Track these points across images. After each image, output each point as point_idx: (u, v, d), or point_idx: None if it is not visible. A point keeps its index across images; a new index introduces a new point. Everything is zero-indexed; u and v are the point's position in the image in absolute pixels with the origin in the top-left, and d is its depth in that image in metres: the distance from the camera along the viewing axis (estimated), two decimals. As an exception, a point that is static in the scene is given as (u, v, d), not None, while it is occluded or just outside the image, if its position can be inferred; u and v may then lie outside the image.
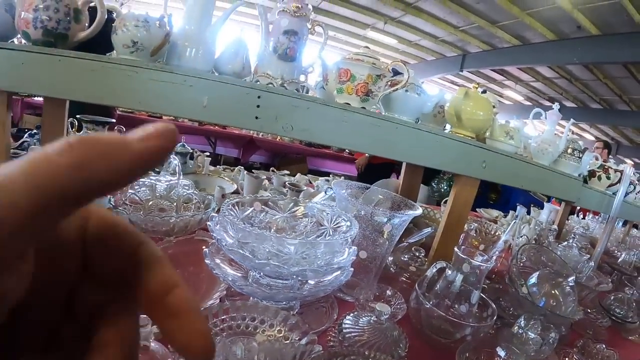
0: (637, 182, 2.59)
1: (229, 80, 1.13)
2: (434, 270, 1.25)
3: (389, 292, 1.32)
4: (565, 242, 2.00)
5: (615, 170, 2.22)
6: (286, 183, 2.30)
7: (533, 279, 1.52)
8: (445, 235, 1.63)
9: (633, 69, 10.20)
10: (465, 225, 1.84)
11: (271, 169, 2.79)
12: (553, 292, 1.51)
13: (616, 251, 3.00)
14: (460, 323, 1.14)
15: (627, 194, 2.45)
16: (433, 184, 4.36)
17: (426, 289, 1.26)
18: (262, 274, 0.99)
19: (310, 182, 2.81)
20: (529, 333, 1.18)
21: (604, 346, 1.52)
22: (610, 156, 3.86)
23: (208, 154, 2.60)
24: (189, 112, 1.26)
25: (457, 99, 1.57)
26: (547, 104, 15.61)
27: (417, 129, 1.40)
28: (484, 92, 1.85)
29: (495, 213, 2.96)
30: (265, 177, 2.35)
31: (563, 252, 1.91)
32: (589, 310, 1.84)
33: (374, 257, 1.32)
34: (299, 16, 1.30)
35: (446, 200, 2.76)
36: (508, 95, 16.60)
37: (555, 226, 2.35)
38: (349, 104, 1.33)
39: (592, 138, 19.34)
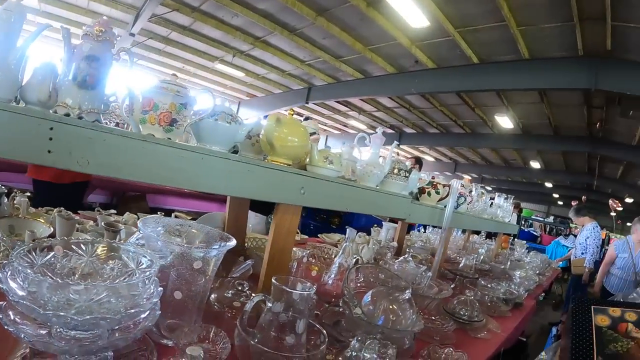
0: (467, 194, 2.89)
1: (17, 110, 0.97)
2: (252, 303, 1.24)
3: (213, 332, 1.26)
4: (402, 257, 2.13)
5: (444, 185, 2.45)
6: (101, 223, 2.12)
7: (367, 298, 1.58)
8: (272, 266, 1.62)
9: (465, 97, 11.59)
10: (299, 252, 1.89)
11: (96, 209, 2.58)
12: (391, 307, 1.58)
13: (458, 257, 3.29)
14: (285, 356, 1.14)
15: (458, 205, 2.71)
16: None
17: (252, 324, 1.25)
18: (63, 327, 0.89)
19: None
20: (365, 354, 1.22)
21: (451, 349, 1.63)
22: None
23: (29, 194, 2.30)
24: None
25: (269, 126, 1.57)
26: (390, 131, 16.84)
27: (226, 159, 1.34)
28: (306, 119, 1.95)
29: (337, 237, 3.09)
30: (79, 217, 2.16)
31: (400, 267, 2.03)
32: (434, 318, 1.97)
33: (191, 295, 1.28)
34: (102, 40, 1.19)
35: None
36: (352, 125, 17.75)
37: (394, 243, 2.51)
38: (153, 134, 1.25)
39: (432, 159, 21.21)
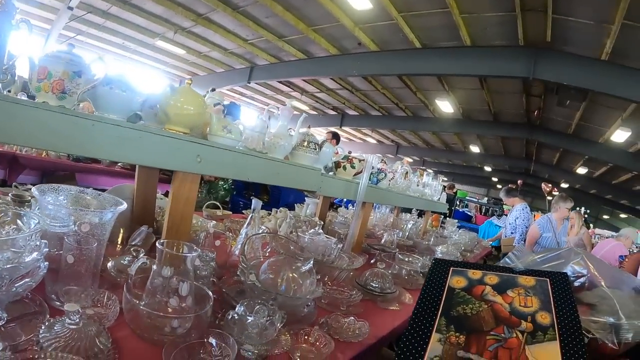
0: (389, 170, 2.89)
1: None
2: (136, 266, 1.20)
3: (106, 296, 1.26)
4: (312, 230, 2.10)
5: (360, 160, 2.43)
6: (10, 194, 2.06)
7: (265, 266, 1.58)
8: (171, 234, 1.58)
9: (407, 80, 11.69)
10: (208, 224, 1.85)
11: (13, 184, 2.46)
12: (292, 276, 1.57)
13: (383, 233, 3.29)
14: (165, 316, 1.12)
15: (377, 181, 2.71)
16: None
17: (141, 288, 1.22)
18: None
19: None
20: (248, 317, 1.19)
21: (353, 318, 1.61)
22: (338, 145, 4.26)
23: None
24: None
25: (163, 95, 1.53)
26: (332, 112, 16.87)
27: (116, 126, 1.32)
28: (212, 90, 1.89)
29: (263, 213, 3.02)
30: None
31: (310, 239, 2.00)
32: (343, 289, 1.96)
33: (84, 260, 1.23)
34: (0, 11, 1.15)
35: (210, 205, 2.77)
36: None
37: (316, 218, 2.48)
38: (47, 102, 1.24)
39: (374, 141, 21.46)
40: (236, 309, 1.24)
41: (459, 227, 5.29)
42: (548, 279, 1.00)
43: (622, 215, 23.95)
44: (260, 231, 1.92)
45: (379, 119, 16.78)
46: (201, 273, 1.47)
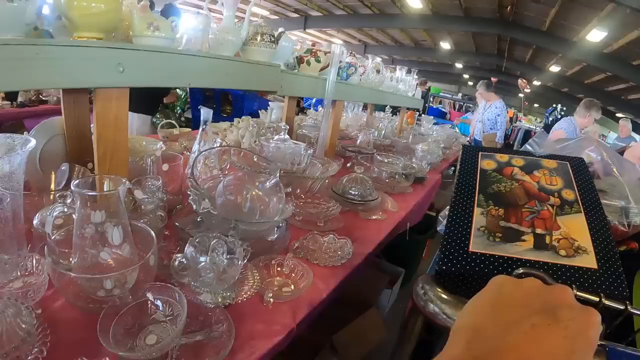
0: (359, 64, 2.56)
1: None
2: (51, 219, 0.86)
3: (35, 262, 0.97)
4: (277, 136, 1.81)
5: (326, 53, 2.09)
6: None
7: (221, 188, 1.27)
8: (104, 168, 1.25)
9: None
10: (157, 147, 1.50)
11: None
12: (256, 194, 1.27)
13: (358, 134, 3.03)
14: (92, 277, 0.84)
15: (348, 76, 2.39)
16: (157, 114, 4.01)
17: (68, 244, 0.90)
18: None
19: None
20: (200, 259, 0.93)
21: (333, 236, 1.38)
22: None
23: None
24: None
25: None
26: (294, 15, 16.13)
27: (6, 45, 0.93)
28: None
29: (225, 125, 2.70)
30: None
31: (275, 148, 1.72)
32: (319, 202, 1.71)
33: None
34: None
35: (165, 125, 2.44)
36: (255, 12, 16.55)
37: (282, 123, 2.18)
38: None
39: (341, 42, 20.85)
40: (185, 249, 0.97)
41: (435, 124, 5.06)
42: (568, 162, 1.08)
43: (595, 116, 23.99)
44: (216, 145, 1.61)
45: (344, 18, 16.02)
46: (146, 208, 1.18)
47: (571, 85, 19.38)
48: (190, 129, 2.74)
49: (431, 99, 12.74)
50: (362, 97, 2.86)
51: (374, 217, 1.76)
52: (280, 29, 1.95)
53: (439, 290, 0.74)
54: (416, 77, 4.05)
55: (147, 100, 3.84)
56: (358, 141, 2.77)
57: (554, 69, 17.22)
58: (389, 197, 2.00)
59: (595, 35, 10.88)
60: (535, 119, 17.44)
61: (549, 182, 0.99)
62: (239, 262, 0.99)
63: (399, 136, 3.68)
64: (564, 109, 10.02)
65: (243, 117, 2.56)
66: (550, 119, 9.95)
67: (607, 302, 0.57)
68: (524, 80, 12.72)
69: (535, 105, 26.10)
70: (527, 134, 12.37)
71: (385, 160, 2.29)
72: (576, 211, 0.86)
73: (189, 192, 1.17)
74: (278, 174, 1.33)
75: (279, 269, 1.19)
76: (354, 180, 1.85)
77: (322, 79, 2.09)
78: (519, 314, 0.38)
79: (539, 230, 0.81)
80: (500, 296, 0.41)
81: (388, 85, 3.32)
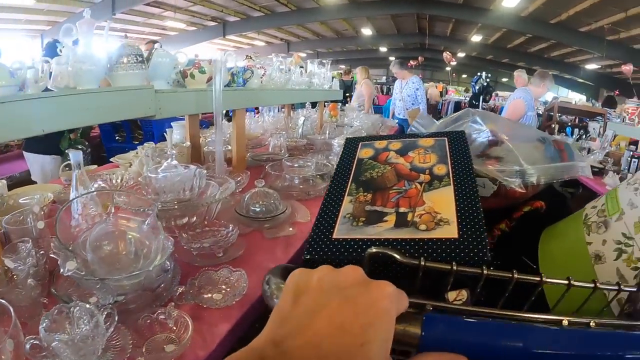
0: (258, 66, 2.42)
1: None
2: None
3: None
4: (165, 163, 1.62)
5: (210, 62, 1.93)
6: None
7: (90, 240, 1.06)
8: None
9: None
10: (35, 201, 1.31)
11: None
12: (136, 237, 1.11)
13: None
14: None
15: (245, 81, 2.26)
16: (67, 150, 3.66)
17: None
18: None
19: None
20: (54, 338, 0.77)
21: (228, 269, 1.24)
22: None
23: None
24: None
25: None
26: (212, 24, 15.90)
27: None
28: None
29: (132, 154, 2.48)
30: None
31: (165, 176, 1.55)
32: (217, 228, 1.52)
33: None
34: None
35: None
36: (172, 27, 16.26)
37: (187, 143, 2.00)
38: None
39: (263, 44, 20.77)
40: (40, 329, 0.80)
41: (361, 111, 4.98)
42: (446, 138, 1.09)
43: (521, 76, 24.76)
44: (92, 189, 1.42)
45: (262, 19, 15.92)
46: (19, 277, 1.01)
47: (495, 52, 19.97)
48: (96, 166, 2.52)
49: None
50: (266, 100, 2.71)
51: (281, 235, 1.60)
52: (157, 45, 1.78)
53: (282, 282, 0.66)
54: (342, 66, 3.96)
55: (43, 138, 3.28)
56: (270, 147, 2.61)
57: (476, 38, 17.68)
58: (301, 206, 1.86)
59: (510, 1, 11.33)
60: (465, 90, 17.83)
61: (422, 160, 1.00)
62: (105, 330, 0.84)
63: (319, 133, 3.54)
64: (489, 75, 10.24)
65: (146, 143, 2.36)
66: (477, 87, 10.16)
67: (460, 269, 0.56)
68: (449, 53, 12.99)
69: (464, 76, 26.76)
70: (458, 106, 12.62)
71: (295, 165, 2.15)
72: (445, 184, 0.87)
73: (51, 254, 1.00)
74: (156, 210, 1.17)
75: (162, 323, 1.02)
76: (257, 195, 1.71)
77: (210, 91, 1.92)
78: (313, 299, 0.39)
79: (402, 209, 0.81)
80: (298, 285, 0.42)
81: (298, 82, 3.19)
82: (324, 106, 4.25)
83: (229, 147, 2.40)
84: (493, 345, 0.43)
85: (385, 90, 15.08)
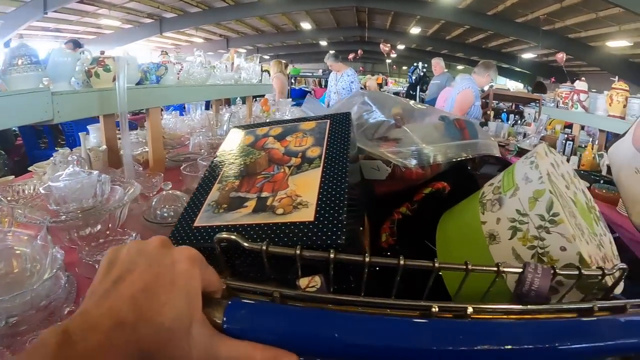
0: (174, 62, 2.35)
1: None
2: None
3: None
4: (66, 171, 1.53)
5: (114, 59, 1.85)
6: None
7: None
8: None
9: None
10: None
11: None
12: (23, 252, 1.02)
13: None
14: None
15: (159, 78, 2.19)
16: None
17: None
18: None
19: None
20: None
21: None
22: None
23: None
24: None
25: None
26: (148, 21, 15.54)
27: None
28: None
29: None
30: None
31: (66, 186, 1.47)
32: (122, 237, 1.43)
33: None
34: None
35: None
36: (107, 25, 15.73)
37: (103, 147, 1.91)
38: None
39: (202, 40, 20.48)
40: None
41: (296, 105, 4.92)
42: (329, 120, 1.05)
43: (459, 67, 25.29)
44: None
45: (200, 15, 15.65)
46: None
47: (434, 44, 20.40)
48: (13, 176, 2.37)
49: (293, 81, 12.94)
50: (184, 97, 2.64)
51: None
52: (59, 44, 1.70)
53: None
54: (283, 61, 3.92)
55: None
56: (190, 147, 2.54)
57: (415, 30, 18.02)
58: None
59: (447, -8, 11.45)
60: (406, 81, 18.19)
61: (298, 144, 0.97)
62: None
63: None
64: (425, 65, 10.43)
65: (61, 150, 2.25)
66: (414, 77, 10.34)
67: (306, 254, 0.55)
68: (387, 45, 13.14)
69: (404, 67, 27.12)
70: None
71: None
72: (315, 167, 0.85)
73: None
74: (46, 224, 1.12)
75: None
76: (166, 199, 1.64)
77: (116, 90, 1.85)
78: (120, 268, 0.41)
79: (264, 194, 0.79)
80: (110, 260, 0.43)
81: (223, 77, 3.15)
82: (252, 101, 4.21)
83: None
84: (304, 333, 0.43)
85: (323, 83, 15.18)
